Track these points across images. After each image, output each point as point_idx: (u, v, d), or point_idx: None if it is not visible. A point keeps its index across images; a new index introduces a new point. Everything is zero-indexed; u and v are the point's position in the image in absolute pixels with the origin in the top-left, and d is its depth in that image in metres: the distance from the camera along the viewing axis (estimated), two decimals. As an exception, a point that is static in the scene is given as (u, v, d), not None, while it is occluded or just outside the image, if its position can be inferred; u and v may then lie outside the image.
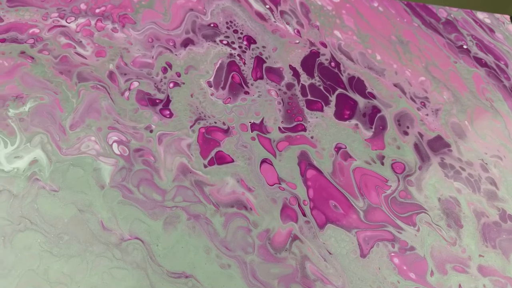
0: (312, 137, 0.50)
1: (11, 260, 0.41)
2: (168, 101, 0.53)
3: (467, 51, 0.61)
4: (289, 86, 0.55)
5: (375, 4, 0.65)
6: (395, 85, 0.56)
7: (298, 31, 0.60)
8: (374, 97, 0.54)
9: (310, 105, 0.53)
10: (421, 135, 0.52)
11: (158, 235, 0.43)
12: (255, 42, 0.59)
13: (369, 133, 0.51)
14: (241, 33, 0.60)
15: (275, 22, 0.61)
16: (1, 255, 0.41)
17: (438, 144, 0.51)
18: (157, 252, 0.42)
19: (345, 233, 0.45)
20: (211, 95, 0.53)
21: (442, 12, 0.65)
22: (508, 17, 0.65)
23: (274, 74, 0.56)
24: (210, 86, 0.54)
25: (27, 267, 0.41)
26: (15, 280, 0.41)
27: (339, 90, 0.55)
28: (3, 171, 0.46)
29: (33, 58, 0.55)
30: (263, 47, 0.58)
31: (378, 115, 0.53)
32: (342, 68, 0.57)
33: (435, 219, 0.47)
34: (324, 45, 0.59)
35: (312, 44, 0.59)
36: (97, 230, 0.43)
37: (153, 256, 0.42)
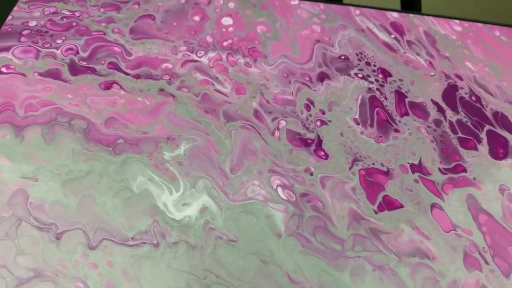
0: (474, 179, 0.49)
1: (205, 317, 0.40)
2: (319, 140, 0.52)
3: None
4: (437, 122, 0.54)
5: (497, 33, 0.64)
6: (540, 121, 0.55)
7: (431, 63, 0.59)
8: (523, 133, 0.54)
9: (464, 143, 0.52)
10: None
11: (347, 288, 0.42)
12: (390, 75, 0.58)
13: (528, 173, 0.51)
14: (374, 65, 0.59)
15: (404, 53, 0.60)
16: (193, 312, 0.40)
17: None
18: (351, 307, 0.41)
19: (531, 282, 0.44)
20: (361, 133, 0.52)
21: None
22: None
23: (419, 109, 0.55)
24: (358, 124, 0.53)
25: (224, 325, 0.40)
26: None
27: (487, 127, 0.54)
28: (174, 220, 0.45)
29: (174, 96, 0.54)
30: (400, 80, 0.57)
31: (532, 153, 0.52)
32: (483, 103, 0.56)
33: None
34: (459, 77, 0.58)
35: (447, 76, 0.58)
36: (285, 284, 0.42)
37: (348, 311, 0.41)
